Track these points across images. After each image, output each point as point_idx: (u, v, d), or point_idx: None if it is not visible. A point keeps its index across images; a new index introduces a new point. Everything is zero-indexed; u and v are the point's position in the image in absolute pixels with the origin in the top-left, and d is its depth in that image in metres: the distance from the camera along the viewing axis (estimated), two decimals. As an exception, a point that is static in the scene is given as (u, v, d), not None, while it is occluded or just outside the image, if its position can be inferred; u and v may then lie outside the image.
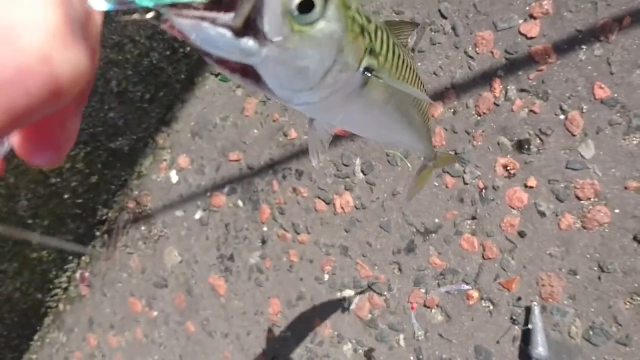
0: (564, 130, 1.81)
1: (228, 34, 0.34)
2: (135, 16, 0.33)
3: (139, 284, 2.91)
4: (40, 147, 0.28)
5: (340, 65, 0.44)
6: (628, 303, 1.72)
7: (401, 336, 2.12)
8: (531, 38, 1.85)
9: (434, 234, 2.06)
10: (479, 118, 1.96)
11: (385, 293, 2.16)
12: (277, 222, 2.44)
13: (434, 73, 2.03)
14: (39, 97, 0.23)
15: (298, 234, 2.38)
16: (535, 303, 1.81)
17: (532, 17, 1.85)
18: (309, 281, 2.35)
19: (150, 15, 0.33)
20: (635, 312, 1.70)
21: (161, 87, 2.53)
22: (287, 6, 0.37)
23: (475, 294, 1.97)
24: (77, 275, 3.11)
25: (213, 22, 0.34)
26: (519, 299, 1.89)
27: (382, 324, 2.17)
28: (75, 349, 3.15)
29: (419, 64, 2.06)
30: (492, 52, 1.92)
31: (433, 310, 2.06)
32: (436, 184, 2.05)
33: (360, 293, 2.22)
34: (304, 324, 2.36)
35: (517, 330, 1.89)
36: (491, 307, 1.94)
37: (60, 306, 3.21)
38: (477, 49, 1.95)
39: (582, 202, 1.79)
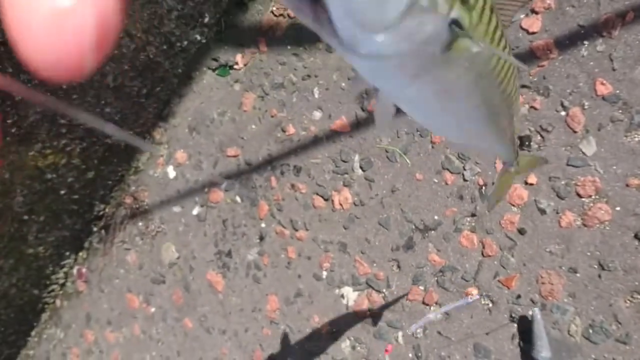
0: (565, 126, 1.79)
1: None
2: None
3: (137, 280, 2.89)
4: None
5: (426, 2, 0.36)
6: (628, 301, 1.71)
7: (400, 333, 2.11)
8: (533, 33, 1.83)
9: (433, 231, 2.04)
10: (479, 114, 1.93)
11: (384, 290, 2.15)
12: (275, 219, 2.42)
13: (434, 68, 2.00)
14: None
15: (296, 230, 2.36)
16: (536, 309, 1.79)
17: (534, 12, 1.82)
18: (307, 278, 2.34)
19: None
20: (636, 310, 1.69)
21: (158, 82, 2.50)
22: None
23: (475, 292, 1.96)
24: (74, 271, 3.10)
25: None
26: (519, 296, 1.88)
27: (380, 321, 2.15)
28: (73, 345, 3.14)
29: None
30: (492, 48, 1.90)
31: (432, 308, 2.05)
32: (436, 180, 2.03)
33: (358, 290, 2.21)
34: (302, 321, 2.35)
35: (516, 328, 1.88)
36: (490, 305, 1.93)
37: (58, 302, 3.20)
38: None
39: (583, 199, 1.77)
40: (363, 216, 2.20)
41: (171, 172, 2.73)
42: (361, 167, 2.19)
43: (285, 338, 2.39)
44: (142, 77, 2.41)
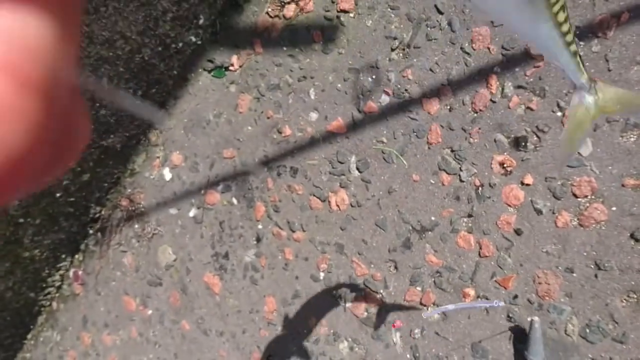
0: (561, 127, 1.79)
1: None
2: None
3: (133, 283, 2.88)
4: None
5: None
6: (625, 301, 1.71)
7: (397, 334, 2.11)
8: (528, 34, 1.82)
9: (430, 232, 2.04)
10: (475, 115, 1.94)
11: (381, 291, 2.15)
12: (272, 220, 2.42)
13: (430, 69, 2.01)
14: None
15: (293, 231, 2.36)
16: (536, 317, 1.79)
17: (529, 12, 1.82)
18: (305, 279, 2.34)
19: None
20: (632, 309, 1.70)
21: (153, 83, 2.49)
22: None
23: (472, 292, 1.96)
24: (71, 273, 3.09)
25: None
26: (516, 297, 1.88)
27: (378, 322, 2.15)
28: (70, 348, 3.13)
29: (415, 60, 2.03)
30: (488, 48, 1.90)
31: (429, 309, 2.05)
32: (432, 181, 2.03)
33: (356, 291, 2.21)
34: (299, 323, 2.35)
35: (513, 327, 1.89)
36: (488, 306, 1.93)
37: (54, 305, 3.18)
38: (474, 45, 1.92)
39: (579, 199, 1.78)
40: (360, 217, 2.20)
41: (167, 174, 2.72)
42: (358, 168, 2.19)
43: (283, 339, 2.39)
44: (137, 79, 2.40)
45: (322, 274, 2.30)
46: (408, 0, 2.05)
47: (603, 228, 1.74)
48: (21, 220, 2.53)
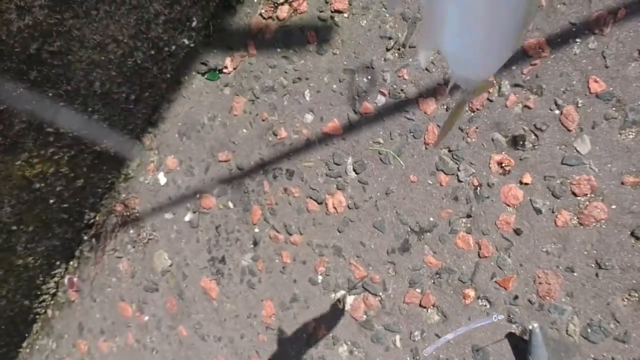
0: (559, 125, 1.78)
1: None
2: None
3: (129, 289, 2.85)
4: None
5: None
6: (626, 300, 1.70)
7: (397, 337, 2.09)
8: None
9: (428, 233, 2.02)
10: (472, 114, 1.92)
11: (381, 293, 2.13)
12: (268, 223, 2.39)
13: (426, 69, 1.99)
14: None
15: (290, 235, 2.33)
16: (535, 325, 1.78)
17: (524, 10, 1.81)
18: (303, 283, 2.31)
19: None
20: (634, 308, 1.68)
21: (146, 87, 2.46)
22: None
23: (472, 293, 1.94)
24: (65, 280, 3.05)
25: None
26: (516, 297, 1.87)
27: (377, 324, 2.13)
28: (66, 356, 3.09)
29: (410, 59, 2.01)
30: (484, 47, 1.88)
31: (429, 310, 2.03)
32: (430, 182, 2.01)
33: (354, 294, 2.19)
34: (298, 326, 2.32)
35: (514, 329, 1.87)
36: (488, 306, 1.91)
37: (49, 312, 3.15)
38: (470, 44, 1.90)
39: (579, 198, 1.76)
40: (357, 219, 2.18)
41: (162, 179, 2.69)
42: (354, 170, 2.16)
43: (281, 344, 2.36)
44: (130, 83, 2.37)
45: (320, 277, 2.27)
46: (403, -1, 2.03)
47: (603, 226, 1.72)
48: (14, 227, 2.50)
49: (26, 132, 2.19)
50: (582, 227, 1.76)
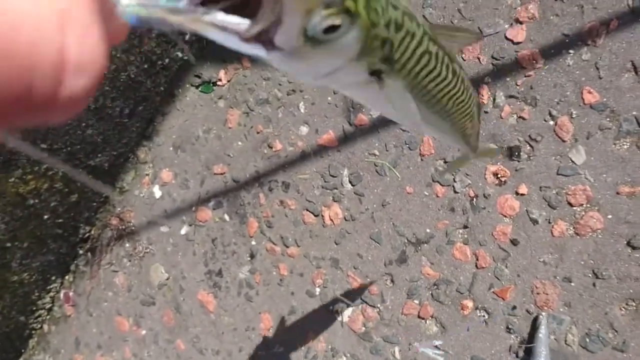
0: (554, 136, 1.78)
1: (236, 40, 0.34)
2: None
3: (126, 302, 2.83)
4: None
5: (346, 69, 0.42)
6: (623, 309, 1.70)
7: (396, 348, 2.08)
8: (518, 43, 1.82)
9: (425, 245, 2.02)
10: (467, 125, 1.92)
11: (379, 305, 2.13)
12: (265, 236, 2.38)
13: (420, 80, 1.99)
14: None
15: (287, 247, 2.33)
16: (542, 314, 1.79)
17: (518, 21, 1.82)
18: (300, 295, 2.30)
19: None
20: (631, 317, 1.69)
21: (140, 101, 2.45)
22: (310, 27, 0.35)
23: (470, 304, 1.94)
24: (61, 295, 3.03)
25: (224, 27, 0.33)
26: (514, 307, 1.87)
27: (376, 336, 2.13)
28: (62, 371, 3.07)
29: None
30: (478, 58, 1.89)
31: (428, 322, 2.03)
32: (426, 193, 2.01)
33: (352, 306, 2.18)
34: (296, 339, 2.31)
35: (512, 339, 1.87)
36: (486, 317, 1.91)
37: (45, 327, 3.12)
38: (464, 55, 1.91)
39: (575, 208, 1.77)
40: (354, 231, 2.17)
41: (157, 192, 2.68)
42: (350, 182, 2.16)
43: (280, 357, 2.35)
44: (123, 97, 2.36)
45: (317, 289, 2.27)
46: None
47: (599, 236, 1.73)
48: (8, 244, 2.48)
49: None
50: (578, 237, 1.76)
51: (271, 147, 2.34)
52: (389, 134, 2.07)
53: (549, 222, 1.81)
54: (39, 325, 3.10)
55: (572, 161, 1.76)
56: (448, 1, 1.93)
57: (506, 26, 1.84)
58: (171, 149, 2.63)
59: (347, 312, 2.20)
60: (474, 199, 1.93)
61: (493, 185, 1.89)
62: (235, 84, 2.42)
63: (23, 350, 3.12)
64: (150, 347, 2.73)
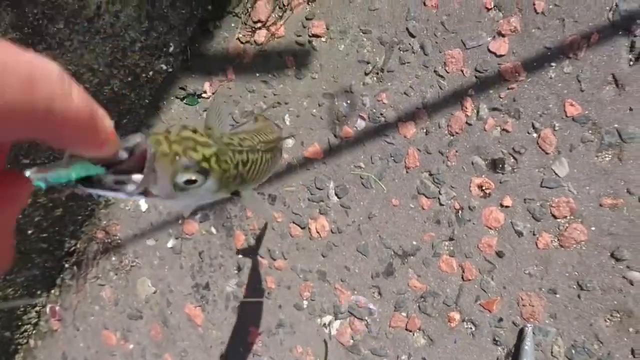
0: (538, 148, 1.79)
1: (123, 195, 0.47)
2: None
3: (113, 316, 2.80)
4: None
5: (211, 198, 0.64)
6: (608, 320, 1.71)
7: (384, 361, 2.08)
8: (501, 56, 1.82)
9: (412, 257, 2.02)
10: (451, 138, 1.92)
11: (366, 318, 2.12)
12: (251, 249, 2.37)
13: (405, 93, 1.99)
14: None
15: (274, 260, 2.32)
16: (528, 326, 1.79)
17: (500, 34, 1.82)
18: (288, 308, 2.29)
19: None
20: (616, 329, 1.70)
21: (125, 113, 2.43)
22: (176, 182, 0.51)
23: (457, 316, 1.94)
24: (47, 309, 2.99)
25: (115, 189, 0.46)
26: (501, 319, 1.87)
27: (364, 349, 2.12)
28: (49, 386, 3.03)
29: (389, 84, 2.02)
30: (462, 71, 1.89)
31: (415, 334, 2.02)
32: (412, 205, 2.01)
33: (340, 318, 2.17)
34: (285, 352, 2.30)
35: (499, 351, 1.87)
36: (473, 329, 1.92)
37: (31, 342, 3.08)
38: (447, 68, 1.91)
39: (559, 220, 1.77)
40: (341, 243, 2.17)
41: (143, 205, 2.66)
42: (337, 194, 2.16)
43: (268, 370, 2.34)
44: (107, 111, 2.32)
45: (305, 302, 2.26)
46: (379, 23, 2.03)
47: (583, 248, 1.74)
48: (-8, 260, 2.44)
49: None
50: (562, 248, 1.77)
51: (257, 160, 2.33)
52: (374, 146, 2.06)
53: (534, 234, 1.81)
54: (25, 341, 3.06)
55: (556, 173, 1.76)
56: (431, 14, 1.93)
57: (489, 39, 1.84)
58: (157, 161, 2.60)
59: (335, 325, 2.19)
60: (459, 211, 1.93)
61: (478, 197, 1.89)
62: (220, 96, 2.40)
63: (9, 366, 3.08)
64: (137, 361, 2.71)
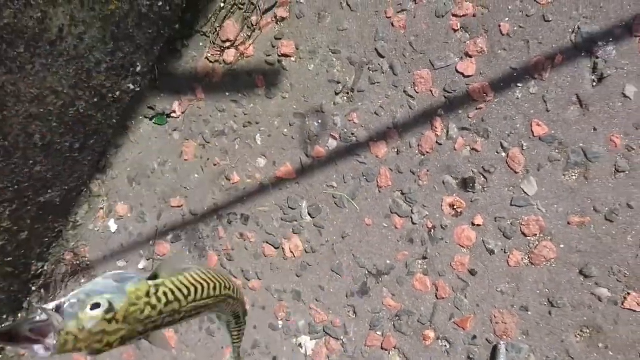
0: (507, 167, 1.81)
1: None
2: None
3: (83, 341, 2.72)
4: None
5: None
6: (579, 336, 1.74)
7: (361, 380, 2.07)
8: (468, 76, 1.84)
9: (386, 276, 2.02)
10: (422, 157, 1.93)
11: (342, 337, 2.11)
12: (225, 269, 2.34)
13: (375, 113, 1.99)
14: None
15: (248, 280, 2.29)
16: (502, 343, 1.81)
17: (468, 55, 1.84)
18: (263, 328, 2.27)
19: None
20: (586, 344, 1.73)
21: (91, 134, 2.37)
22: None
23: (432, 334, 1.95)
24: (14, 335, 2.89)
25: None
26: (474, 337, 1.89)
27: (340, 369, 2.12)
28: (18, 414, 2.93)
29: (359, 104, 2.02)
30: (431, 91, 1.90)
31: (391, 353, 2.03)
32: (385, 224, 2.01)
33: (316, 338, 2.16)
34: (261, 373, 2.28)
35: (474, 368, 1.89)
36: (448, 347, 1.93)
37: (-2, 369, 2.98)
38: (417, 88, 1.93)
39: (529, 238, 1.80)
40: (315, 263, 2.16)
41: (112, 226, 2.60)
42: (310, 214, 2.15)
43: (244, 392, 2.31)
44: (73, 132, 2.28)
45: (280, 323, 2.24)
46: (348, 44, 2.03)
47: (553, 265, 1.77)
48: (-47, 289, 2.35)
49: (-39, 191, 2.07)
50: (533, 266, 1.79)
51: (229, 180, 2.30)
52: (346, 166, 2.06)
53: (505, 252, 1.83)
54: (-9, 367, 2.96)
55: (525, 192, 1.79)
56: (399, 35, 1.94)
57: (457, 60, 1.86)
58: (126, 181, 2.55)
59: (311, 345, 2.17)
60: (432, 230, 1.94)
61: (450, 216, 1.91)
62: (189, 116, 2.37)
63: (-26, 394, 2.97)
64: (110, 386, 2.64)
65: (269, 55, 2.18)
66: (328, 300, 2.14)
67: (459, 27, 1.85)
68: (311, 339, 2.18)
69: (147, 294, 0.77)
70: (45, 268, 2.82)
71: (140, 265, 2.55)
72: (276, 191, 2.21)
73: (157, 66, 2.35)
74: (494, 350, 1.85)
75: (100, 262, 2.67)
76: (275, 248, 2.23)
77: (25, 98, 1.99)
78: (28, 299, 2.88)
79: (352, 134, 2.04)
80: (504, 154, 1.81)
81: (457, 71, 1.86)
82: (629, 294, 1.67)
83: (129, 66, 2.26)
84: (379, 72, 1.98)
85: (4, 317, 2.83)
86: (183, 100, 2.37)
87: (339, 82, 2.05)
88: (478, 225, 1.86)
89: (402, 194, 1.98)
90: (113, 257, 2.63)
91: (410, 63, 1.93)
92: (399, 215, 1.99)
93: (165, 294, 0.80)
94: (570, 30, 1.69)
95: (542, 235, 1.77)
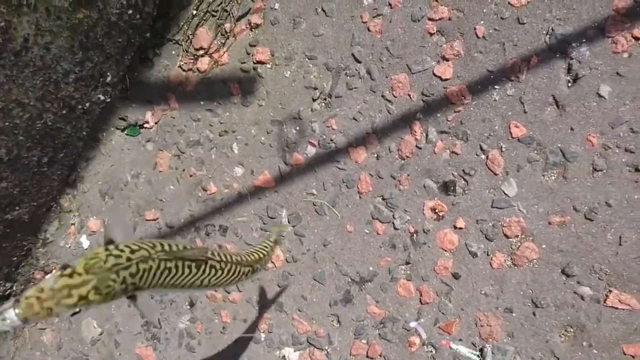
0: (487, 169, 1.81)
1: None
2: None
3: (56, 363, 2.62)
4: None
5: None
6: (563, 335, 1.75)
7: (347, 390, 2.04)
8: (446, 80, 1.84)
9: (369, 283, 2.00)
10: (402, 162, 1.92)
11: (326, 347, 2.07)
12: (204, 282, 2.28)
13: (354, 118, 1.98)
14: None
15: (229, 293, 2.23)
16: (487, 346, 1.80)
17: (444, 58, 1.84)
18: (245, 342, 2.21)
19: None
20: (571, 344, 1.73)
21: (60, 147, 2.29)
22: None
23: (417, 340, 1.93)
24: (-19, 360, 2.76)
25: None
26: (460, 341, 1.87)
27: (326, 379, 2.07)
28: None
29: (337, 109, 2.00)
30: (409, 95, 1.90)
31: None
32: (367, 231, 1.99)
33: (299, 349, 2.12)
34: (244, 388, 2.22)
35: (461, 372, 1.88)
36: (434, 352, 1.91)
37: (-35, 396, 2.83)
38: (394, 93, 1.92)
39: (511, 239, 1.80)
40: (297, 272, 2.12)
41: (85, 242, 2.51)
42: (290, 222, 2.11)
43: (227, 408, 2.24)
44: (41, 146, 2.19)
45: (263, 335, 2.18)
46: (324, 49, 2.01)
47: (535, 266, 1.77)
48: None
49: None
50: (516, 267, 1.79)
51: (206, 190, 2.25)
52: (325, 172, 2.03)
53: (488, 255, 1.83)
54: (-42, 395, 2.81)
55: (505, 194, 1.79)
56: (376, 39, 1.93)
57: (433, 63, 1.86)
58: (98, 195, 2.47)
59: (295, 357, 2.13)
60: (414, 235, 1.92)
61: (432, 220, 1.90)
62: (163, 126, 2.31)
63: None
64: (85, 409, 2.54)
65: (244, 63, 2.14)
66: (311, 310, 2.10)
67: (435, 31, 1.85)
68: (295, 351, 2.13)
69: (106, 250, 0.80)
70: (14, 288, 2.70)
71: (115, 282, 2.47)
72: (255, 200, 2.16)
73: (128, 76, 2.29)
74: (481, 354, 1.83)
75: (73, 280, 2.57)
76: (256, 259, 2.18)
77: (-11, 111, 1.91)
78: (-4, 321, 2.74)
79: (331, 140, 2.01)
80: (483, 156, 1.82)
81: (434, 75, 1.86)
82: (610, 291, 1.68)
83: (98, 76, 2.19)
84: (356, 77, 1.97)
85: (-29, 341, 2.70)
86: (156, 110, 2.31)
87: (316, 88, 2.03)
88: (460, 228, 1.86)
89: (383, 199, 1.96)
90: (86, 274, 2.53)
91: (387, 67, 1.92)
92: (380, 221, 1.97)
93: (127, 245, 0.82)
94: (544, 32, 1.71)
95: (523, 236, 1.78)
